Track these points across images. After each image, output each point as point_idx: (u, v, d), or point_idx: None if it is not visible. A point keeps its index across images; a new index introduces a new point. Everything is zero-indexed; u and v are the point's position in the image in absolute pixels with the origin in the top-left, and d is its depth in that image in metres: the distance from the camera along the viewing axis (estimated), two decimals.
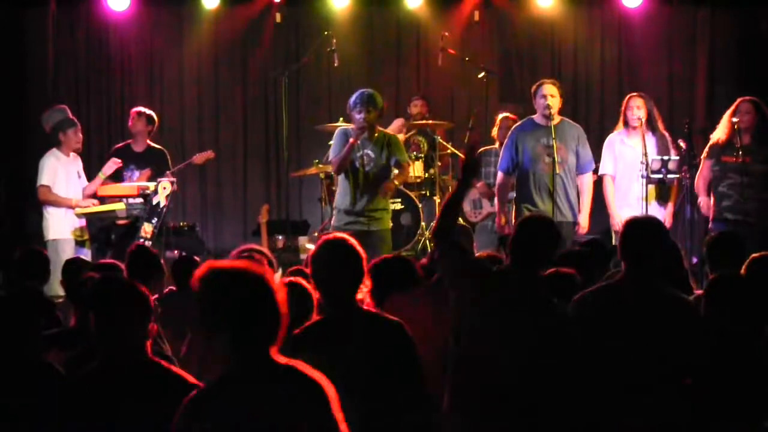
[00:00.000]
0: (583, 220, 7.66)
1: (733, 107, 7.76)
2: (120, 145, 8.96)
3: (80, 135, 8.54)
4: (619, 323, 4.03)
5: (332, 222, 7.65)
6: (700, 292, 5.41)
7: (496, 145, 8.96)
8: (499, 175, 7.87)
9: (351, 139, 7.38)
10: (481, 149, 9.18)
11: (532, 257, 4.07)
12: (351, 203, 7.48)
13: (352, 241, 3.87)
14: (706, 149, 7.86)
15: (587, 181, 7.77)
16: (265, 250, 5.19)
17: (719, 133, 7.77)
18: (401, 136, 9.79)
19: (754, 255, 4.68)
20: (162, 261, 5.80)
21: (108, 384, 3.21)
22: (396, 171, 7.57)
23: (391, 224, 7.70)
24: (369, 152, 7.48)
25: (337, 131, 7.66)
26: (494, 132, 9.07)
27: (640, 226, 4.20)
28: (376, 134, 7.52)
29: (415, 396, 3.74)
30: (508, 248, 4.16)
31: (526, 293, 4.04)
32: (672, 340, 3.99)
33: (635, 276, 4.09)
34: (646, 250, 4.09)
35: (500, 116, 9.10)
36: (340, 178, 7.61)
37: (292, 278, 4.30)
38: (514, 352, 3.95)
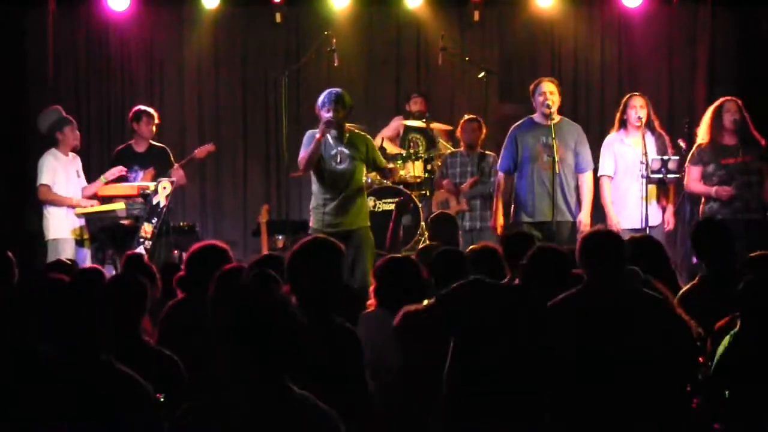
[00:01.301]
0: (585, 217, 7.66)
1: (717, 107, 7.71)
2: (122, 146, 8.94)
3: (77, 132, 8.54)
4: (592, 329, 4.03)
5: (311, 224, 7.62)
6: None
7: (461, 147, 8.97)
8: (500, 175, 7.88)
9: (317, 135, 7.38)
10: (448, 152, 9.20)
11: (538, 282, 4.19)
12: (328, 202, 7.47)
13: (333, 243, 3.85)
14: (693, 154, 7.77)
15: (587, 179, 7.77)
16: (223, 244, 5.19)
17: (707, 137, 7.70)
18: (392, 128, 9.83)
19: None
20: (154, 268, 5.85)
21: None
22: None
23: (369, 223, 7.70)
24: (343, 149, 7.47)
25: (307, 133, 7.62)
26: (458, 133, 9.05)
27: (597, 237, 4.26)
28: (347, 133, 7.51)
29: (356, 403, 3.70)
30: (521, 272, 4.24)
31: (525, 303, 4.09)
32: (648, 335, 3.99)
33: (599, 280, 4.12)
34: (605, 256, 4.14)
35: (465, 117, 9.09)
36: (315, 178, 7.56)
37: None
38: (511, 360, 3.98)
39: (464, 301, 4.06)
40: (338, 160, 7.45)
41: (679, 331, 4.05)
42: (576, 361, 3.98)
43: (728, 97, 7.74)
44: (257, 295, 2.70)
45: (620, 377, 3.94)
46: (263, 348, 2.60)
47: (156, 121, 8.79)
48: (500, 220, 7.77)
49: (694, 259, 8.35)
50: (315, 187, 7.58)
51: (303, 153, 7.47)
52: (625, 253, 4.19)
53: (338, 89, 7.49)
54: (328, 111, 7.33)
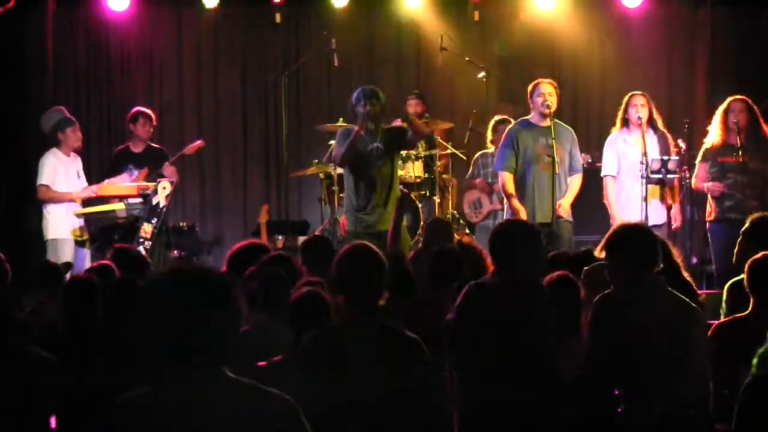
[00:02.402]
0: (565, 202, 7.62)
1: (724, 107, 7.72)
2: (121, 147, 8.96)
3: (79, 133, 8.54)
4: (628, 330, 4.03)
5: (346, 225, 7.60)
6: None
7: (493, 149, 8.95)
8: (501, 174, 7.82)
9: (356, 128, 7.37)
10: (479, 152, 9.20)
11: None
12: (364, 200, 7.44)
13: (377, 248, 3.86)
14: (702, 152, 7.82)
15: (576, 178, 7.77)
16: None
17: (714, 135, 7.73)
18: None
19: (755, 256, 4.65)
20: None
21: None
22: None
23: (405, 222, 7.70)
24: (379, 146, 7.47)
25: (339, 131, 7.65)
26: (490, 136, 9.04)
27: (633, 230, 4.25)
28: (381, 130, 7.52)
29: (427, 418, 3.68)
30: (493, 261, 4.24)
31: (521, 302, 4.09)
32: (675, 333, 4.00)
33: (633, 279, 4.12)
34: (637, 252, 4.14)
35: (496, 118, 9.07)
36: (350, 177, 7.54)
37: None
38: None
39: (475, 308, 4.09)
40: (374, 154, 7.46)
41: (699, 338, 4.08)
42: (612, 361, 4.00)
43: (736, 97, 7.74)
44: (197, 279, 2.54)
45: (647, 376, 3.95)
46: (201, 332, 2.47)
47: (153, 122, 8.79)
48: (524, 213, 7.54)
49: (694, 259, 8.37)
50: (349, 185, 7.56)
51: (338, 149, 7.50)
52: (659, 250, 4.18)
53: (371, 85, 7.56)
54: (364, 105, 7.36)
